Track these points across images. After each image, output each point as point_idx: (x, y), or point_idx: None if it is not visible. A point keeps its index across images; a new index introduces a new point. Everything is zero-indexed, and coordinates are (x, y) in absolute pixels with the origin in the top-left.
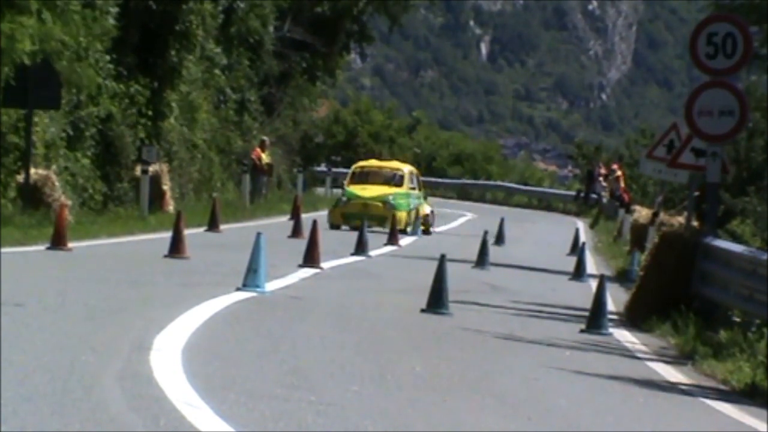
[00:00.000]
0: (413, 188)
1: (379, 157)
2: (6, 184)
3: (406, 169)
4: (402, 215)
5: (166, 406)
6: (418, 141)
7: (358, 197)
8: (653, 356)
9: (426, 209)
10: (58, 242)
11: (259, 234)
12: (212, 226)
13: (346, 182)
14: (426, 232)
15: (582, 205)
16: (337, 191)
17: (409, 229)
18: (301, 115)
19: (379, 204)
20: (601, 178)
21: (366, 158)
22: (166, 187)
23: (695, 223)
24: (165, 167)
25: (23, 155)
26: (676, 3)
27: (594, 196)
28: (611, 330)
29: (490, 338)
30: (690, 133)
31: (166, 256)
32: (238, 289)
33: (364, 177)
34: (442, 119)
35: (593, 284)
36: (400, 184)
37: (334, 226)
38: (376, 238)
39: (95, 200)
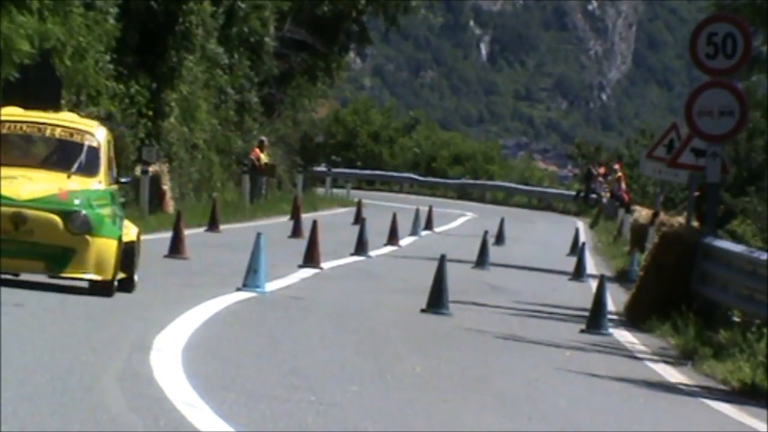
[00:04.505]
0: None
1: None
2: None
3: (100, 133)
4: (110, 246)
5: (166, 406)
6: (417, 141)
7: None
8: (653, 356)
9: (132, 232)
10: None
11: (259, 234)
12: (212, 226)
13: None
14: (125, 285)
15: (582, 205)
16: (338, 192)
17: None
18: (301, 115)
19: (53, 219)
20: (600, 179)
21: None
22: (166, 187)
23: (695, 223)
24: (165, 167)
25: None
26: (676, 3)
27: (594, 196)
28: (611, 330)
29: (490, 338)
30: (690, 133)
31: (166, 256)
32: (238, 290)
33: (16, 147)
34: (442, 119)
35: (593, 284)
36: (94, 170)
37: None
38: (375, 239)
39: None
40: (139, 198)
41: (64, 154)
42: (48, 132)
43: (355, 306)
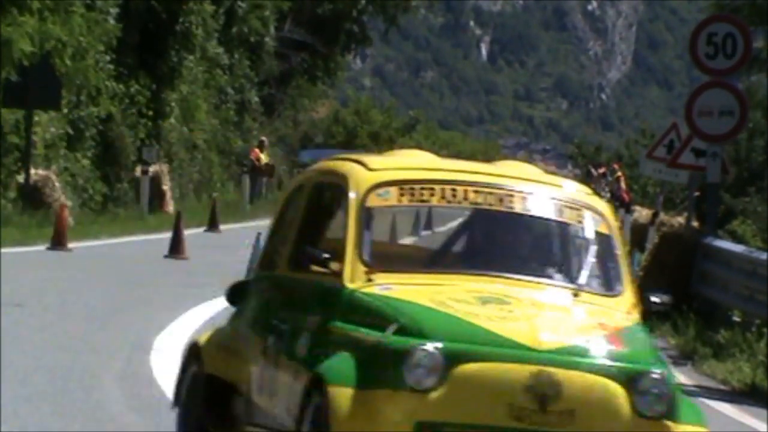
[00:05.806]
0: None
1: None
2: (6, 185)
3: (599, 203)
4: None
5: (166, 406)
6: (417, 141)
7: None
8: None
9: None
10: (58, 242)
11: (259, 234)
12: (212, 226)
13: (355, 269)
14: None
15: None
16: None
17: None
18: (302, 115)
19: (613, 388)
20: (600, 179)
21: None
22: (166, 188)
23: (695, 223)
24: (165, 167)
25: (23, 155)
26: (676, 3)
27: None
28: None
29: None
30: (690, 133)
31: (166, 257)
32: None
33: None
34: (442, 119)
35: None
36: (614, 281)
37: None
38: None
39: (95, 201)
40: (139, 198)
41: (544, 249)
42: (518, 205)
43: None
